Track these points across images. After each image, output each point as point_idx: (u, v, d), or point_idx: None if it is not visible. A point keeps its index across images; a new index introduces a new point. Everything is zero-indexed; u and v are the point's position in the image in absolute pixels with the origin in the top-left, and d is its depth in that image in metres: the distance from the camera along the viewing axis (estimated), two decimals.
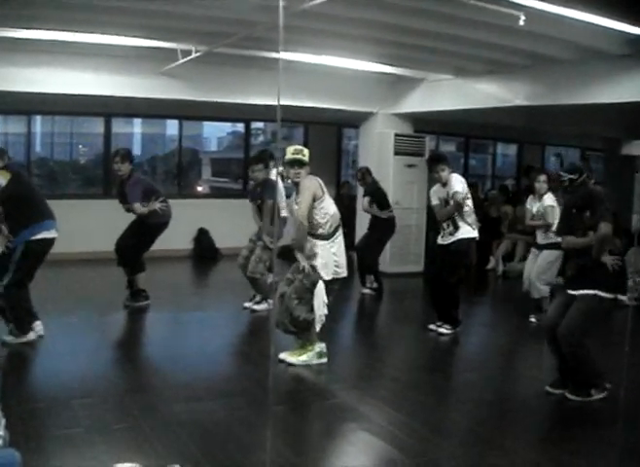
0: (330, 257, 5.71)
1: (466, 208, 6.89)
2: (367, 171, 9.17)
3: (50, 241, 6.13)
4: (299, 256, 5.73)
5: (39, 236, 6.01)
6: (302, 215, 5.57)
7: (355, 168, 11.40)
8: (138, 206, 7.35)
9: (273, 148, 5.76)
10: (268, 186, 7.43)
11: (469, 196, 6.95)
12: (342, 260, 5.81)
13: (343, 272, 5.84)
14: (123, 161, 7.46)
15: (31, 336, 6.07)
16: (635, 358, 4.23)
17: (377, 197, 9.06)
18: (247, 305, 7.81)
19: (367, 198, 9.02)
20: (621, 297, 5.13)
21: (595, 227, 4.96)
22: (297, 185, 5.75)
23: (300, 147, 5.93)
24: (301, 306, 5.69)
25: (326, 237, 5.70)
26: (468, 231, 6.94)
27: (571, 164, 5.61)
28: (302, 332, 5.82)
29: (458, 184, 6.88)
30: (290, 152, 5.76)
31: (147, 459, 3.53)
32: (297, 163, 5.69)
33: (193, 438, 4.19)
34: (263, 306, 7.74)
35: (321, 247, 5.68)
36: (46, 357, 5.94)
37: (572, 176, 5.36)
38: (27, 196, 6.10)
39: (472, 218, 7.01)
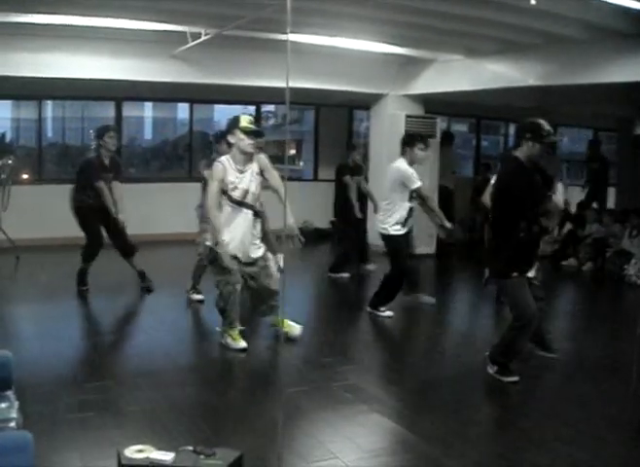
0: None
1: None
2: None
3: None
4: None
5: None
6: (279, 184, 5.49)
7: (366, 149, 11.32)
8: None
9: (282, 130, 5.66)
10: None
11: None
12: None
13: None
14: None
15: None
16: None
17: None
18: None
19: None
20: None
21: None
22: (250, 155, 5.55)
23: (252, 118, 5.80)
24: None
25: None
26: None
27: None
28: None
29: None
30: (247, 121, 5.55)
31: (160, 441, 3.55)
32: (258, 134, 5.62)
33: (205, 420, 4.23)
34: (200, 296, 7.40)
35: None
36: (57, 340, 5.95)
37: None
38: None
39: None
